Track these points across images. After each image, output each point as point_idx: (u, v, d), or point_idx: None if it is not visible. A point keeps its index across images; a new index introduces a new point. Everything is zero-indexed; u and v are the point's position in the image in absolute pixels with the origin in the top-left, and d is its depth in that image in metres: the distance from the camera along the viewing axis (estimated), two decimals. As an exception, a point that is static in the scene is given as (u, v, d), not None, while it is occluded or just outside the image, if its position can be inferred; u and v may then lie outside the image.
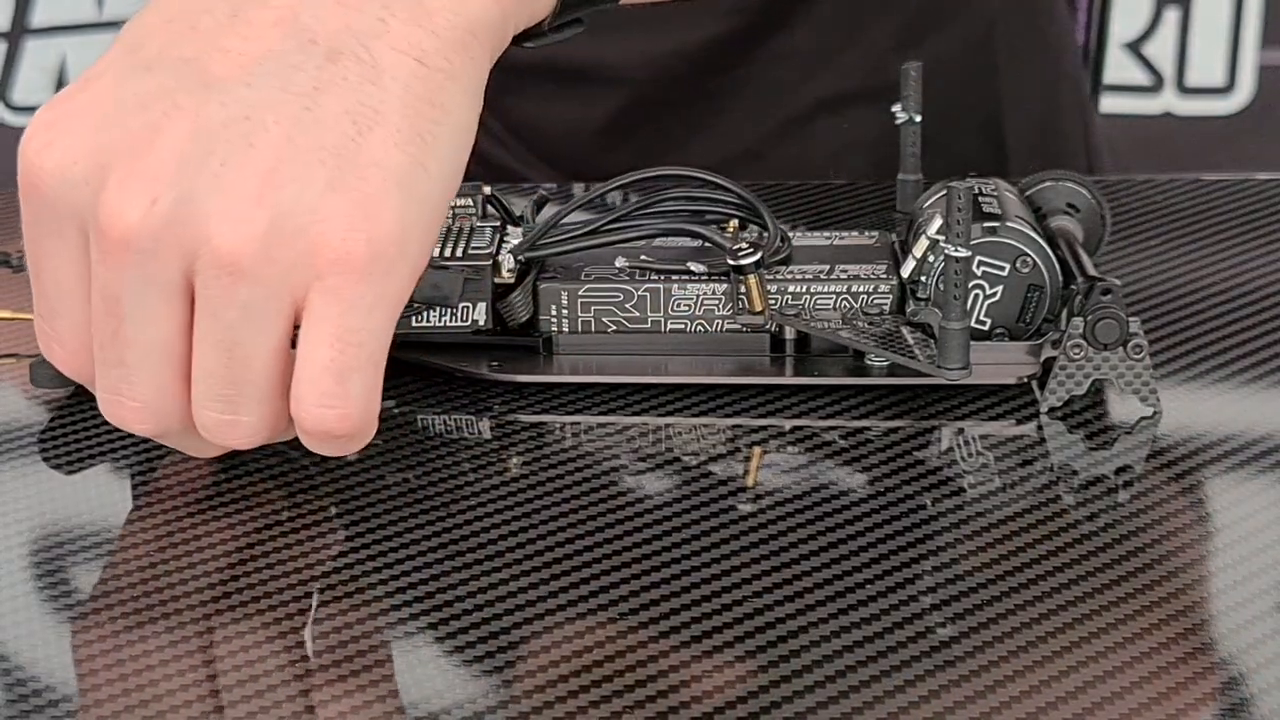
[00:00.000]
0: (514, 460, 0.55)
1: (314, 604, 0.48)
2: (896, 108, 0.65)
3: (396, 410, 0.58)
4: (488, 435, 0.57)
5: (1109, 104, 1.05)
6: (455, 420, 0.57)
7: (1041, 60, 0.94)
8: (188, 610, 0.47)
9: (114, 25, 1.99)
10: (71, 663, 0.45)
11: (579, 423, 0.57)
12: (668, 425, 0.57)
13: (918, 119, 0.65)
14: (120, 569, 0.49)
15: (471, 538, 0.50)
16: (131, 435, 0.56)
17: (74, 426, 0.57)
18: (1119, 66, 1.76)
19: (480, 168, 0.91)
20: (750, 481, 0.54)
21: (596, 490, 0.53)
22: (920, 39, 0.88)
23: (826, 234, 0.63)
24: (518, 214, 0.62)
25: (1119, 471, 0.54)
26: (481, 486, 0.53)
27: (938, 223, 0.58)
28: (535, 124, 0.89)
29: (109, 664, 0.45)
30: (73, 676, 0.45)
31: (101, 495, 0.53)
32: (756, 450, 0.56)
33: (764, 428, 0.57)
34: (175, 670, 0.44)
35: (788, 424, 0.57)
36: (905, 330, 0.58)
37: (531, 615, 0.46)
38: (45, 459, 0.55)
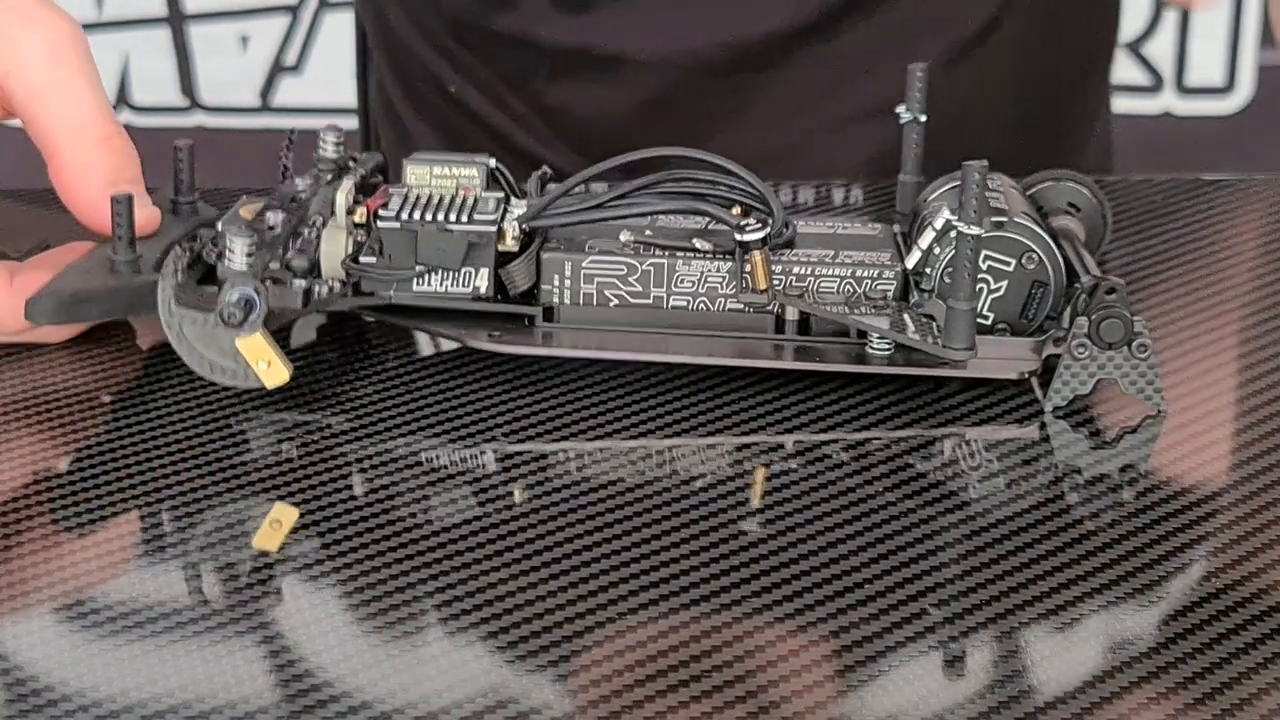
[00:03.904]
0: (514, 452, 0.55)
1: (310, 606, 0.47)
2: (901, 108, 0.65)
3: (395, 393, 0.58)
4: (489, 425, 0.56)
5: (1114, 104, 1.06)
6: (457, 411, 0.57)
7: (1087, 70, 0.95)
8: (187, 611, 0.47)
9: (114, 25, 1.99)
10: (72, 663, 0.45)
11: (577, 403, 0.57)
12: (665, 409, 0.57)
13: (922, 119, 0.65)
14: (120, 571, 0.49)
15: (465, 527, 0.50)
16: (132, 437, 0.56)
17: (74, 424, 0.57)
18: (1119, 66, 1.76)
19: (503, 151, 0.92)
20: (751, 482, 0.54)
21: (595, 489, 0.53)
22: (966, 57, 0.88)
23: (830, 224, 0.63)
24: (522, 189, 0.62)
25: (1123, 470, 0.54)
26: (483, 473, 0.53)
27: (945, 215, 0.58)
28: (564, 108, 0.89)
29: (106, 664, 0.45)
30: (73, 676, 0.44)
31: (103, 496, 0.53)
32: (755, 447, 0.55)
33: (760, 416, 0.56)
34: (174, 672, 0.44)
35: (788, 419, 0.57)
36: (908, 315, 0.58)
37: (531, 614, 0.46)
38: (46, 458, 0.55)
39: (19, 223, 0.72)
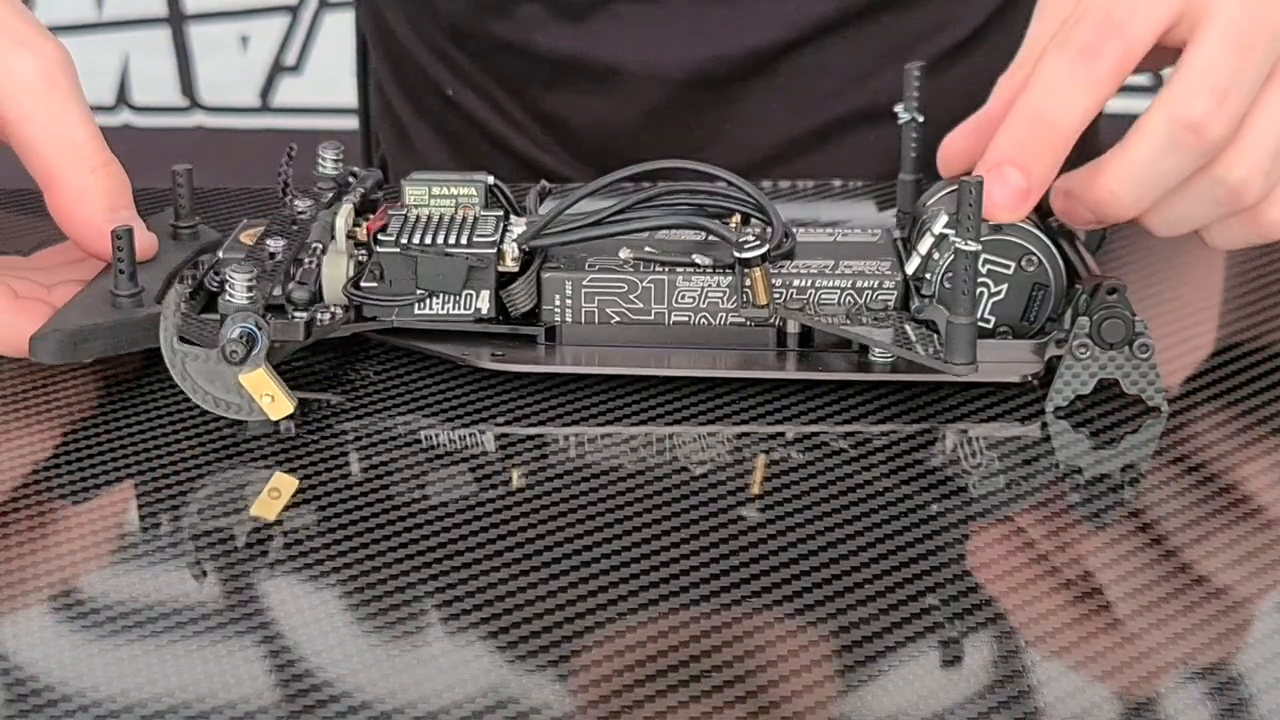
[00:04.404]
0: (515, 450, 0.55)
1: (305, 609, 0.47)
2: (899, 107, 0.65)
3: (396, 397, 0.58)
4: (489, 424, 0.56)
5: (1109, 104, 1.06)
6: (457, 411, 0.57)
7: None
8: (187, 610, 0.47)
9: (114, 25, 1.99)
10: (72, 663, 0.45)
11: (580, 413, 0.57)
12: (669, 418, 0.57)
13: (920, 118, 0.65)
14: (120, 565, 0.49)
15: (465, 526, 0.50)
16: (132, 439, 0.56)
17: (77, 426, 0.57)
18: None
19: (501, 155, 0.92)
20: (752, 479, 0.54)
21: (595, 489, 0.53)
22: (958, 62, 0.88)
23: (829, 231, 0.62)
24: (521, 205, 0.62)
25: (1123, 470, 0.54)
26: (483, 473, 0.53)
27: (943, 219, 0.58)
28: (565, 117, 0.89)
29: (106, 664, 0.45)
30: (73, 676, 0.44)
31: (103, 498, 0.53)
32: (757, 446, 0.55)
33: (765, 423, 0.56)
34: (174, 672, 0.44)
35: (789, 419, 0.57)
36: (909, 327, 0.58)
37: (531, 614, 0.46)
38: (48, 461, 0.55)
39: (19, 223, 0.72)
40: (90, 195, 0.60)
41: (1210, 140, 0.56)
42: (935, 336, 0.57)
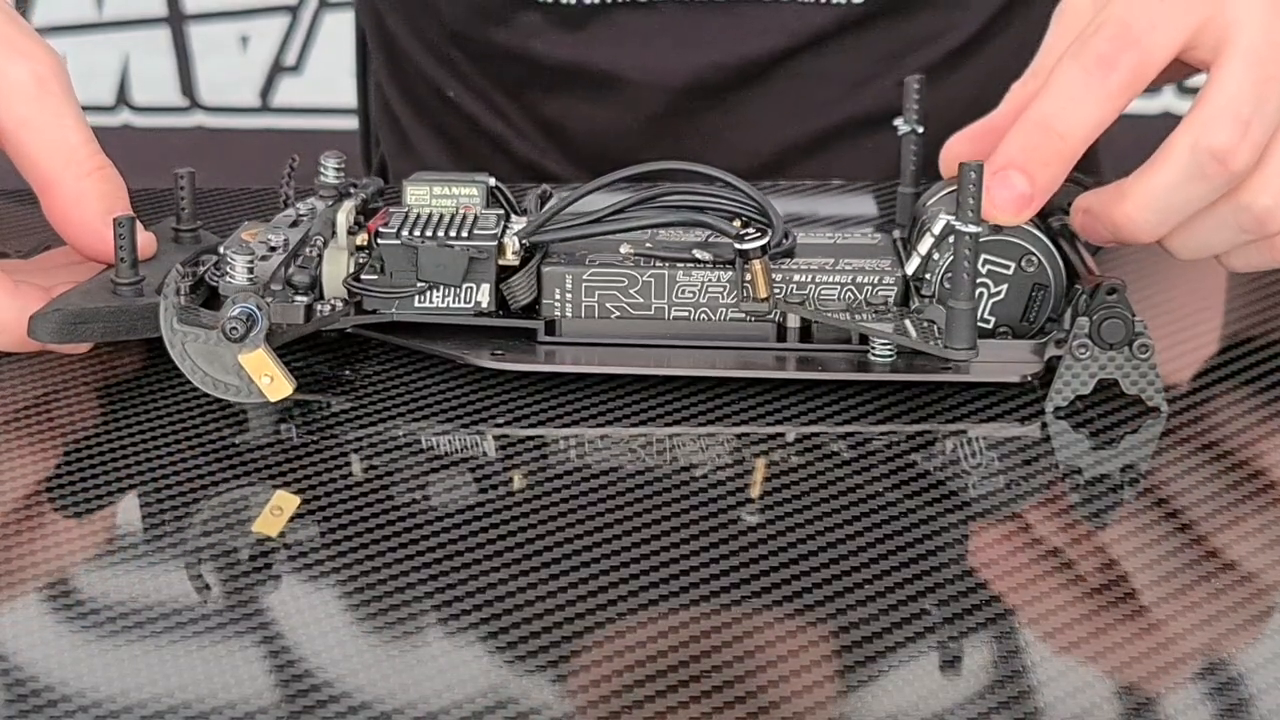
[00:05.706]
0: (514, 451, 0.55)
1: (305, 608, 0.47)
2: (899, 121, 0.65)
3: (396, 397, 0.58)
4: (489, 424, 0.56)
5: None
6: (456, 411, 0.57)
7: None
8: (187, 610, 0.47)
9: (114, 25, 1.99)
10: (72, 663, 0.45)
11: (579, 413, 0.57)
12: (669, 418, 0.57)
13: (920, 130, 0.65)
14: (121, 567, 0.49)
15: (465, 526, 0.50)
16: (134, 443, 0.56)
17: (78, 426, 0.57)
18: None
19: (501, 157, 0.92)
20: (752, 480, 0.54)
21: (595, 489, 0.53)
22: (954, 67, 0.88)
23: (829, 234, 0.63)
24: (522, 206, 0.62)
25: (1123, 470, 0.54)
26: (483, 473, 0.53)
27: (943, 220, 0.58)
28: (564, 123, 0.90)
29: (106, 664, 0.45)
30: (73, 676, 0.44)
31: (103, 489, 0.53)
32: (756, 446, 0.55)
33: (765, 423, 0.56)
34: (174, 672, 0.44)
35: (789, 420, 0.57)
36: (909, 321, 0.58)
37: (531, 614, 0.46)
38: (48, 460, 0.55)
39: (19, 223, 0.72)
40: (86, 199, 0.60)
41: (1234, 170, 0.56)
42: (935, 326, 0.57)
